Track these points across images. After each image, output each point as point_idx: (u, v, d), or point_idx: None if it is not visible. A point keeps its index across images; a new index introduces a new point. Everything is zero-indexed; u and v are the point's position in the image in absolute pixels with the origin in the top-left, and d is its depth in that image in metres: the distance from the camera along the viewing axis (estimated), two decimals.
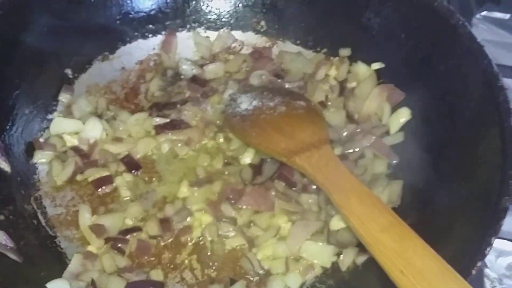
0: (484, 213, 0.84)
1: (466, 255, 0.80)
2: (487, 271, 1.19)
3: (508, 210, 0.83)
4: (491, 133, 0.95)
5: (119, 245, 1.11)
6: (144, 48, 1.43)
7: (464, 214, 0.90)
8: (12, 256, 0.95)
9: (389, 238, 0.83)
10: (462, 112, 1.06)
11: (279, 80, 1.38)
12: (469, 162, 0.98)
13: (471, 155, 0.98)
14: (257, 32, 1.47)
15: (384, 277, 0.97)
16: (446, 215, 0.96)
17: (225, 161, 1.27)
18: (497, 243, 1.25)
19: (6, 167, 1.12)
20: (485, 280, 1.18)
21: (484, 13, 1.72)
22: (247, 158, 1.25)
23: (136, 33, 1.42)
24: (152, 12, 1.42)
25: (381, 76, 1.31)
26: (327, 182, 1.01)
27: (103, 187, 1.21)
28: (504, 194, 0.83)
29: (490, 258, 1.23)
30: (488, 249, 0.78)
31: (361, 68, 1.34)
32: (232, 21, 1.47)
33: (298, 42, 1.44)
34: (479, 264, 0.77)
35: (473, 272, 0.76)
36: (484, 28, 1.70)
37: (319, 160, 1.06)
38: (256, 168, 1.23)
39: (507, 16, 1.71)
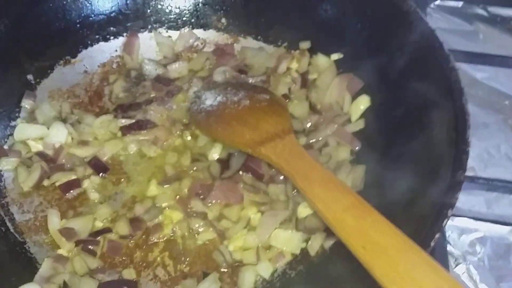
0: (440, 187, 0.87)
1: (424, 229, 0.83)
2: (450, 248, 1.24)
3: (462, 183, 0.86)
4: (444, 112, 0.98)
5: (90, 247, 1.10)
6: (106, 50, 1.44)
7: (422, 190, 0.94)
8: None
9: (351, 217, 0.86)
10: (418, 96, 1.10)
11: (242, 76, 1.40)
12: (425, 142, 1.02)
13: (427, 134, 1.02)
14: (218, 29, 1.49)
15: (351, 258, 1.00)
16: (405, 194, 0.99)
17: (193, 158, 1.28)
18: (460, 221, 1.30)
19: None
20: (449, 257, 1.22)
21: (437, 2, 1.78)
22: (215, 153, 1.27)
23: (97, 36, 1.42)
24: (113, 14, 1.43)
25: (340, 66, 1.35)
26: (292, 170, 1.03)
27: (71, 191, 1.21)
28: (458, 168, 0.87)
29: (453, 236, 1.28)
30: (445, 221, 0.81)
31: (321, 60, 1.37)
32: (193, 20, 1.49)
33: (259, 37, 1.47)
34: (437, 236, 0.80)
35: (432, 244, 0.80)
36: (438, 17, 1.76)
37: (283, 149, 1.08)
38: (224, 163, 1.25)
39: (460, 4, 1.78)
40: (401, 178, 1.04)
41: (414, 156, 1.04)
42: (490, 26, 1.75)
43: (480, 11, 1.78)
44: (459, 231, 1.28)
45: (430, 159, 0.98)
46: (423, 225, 0.84)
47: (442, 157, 0.93)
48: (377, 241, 0.80)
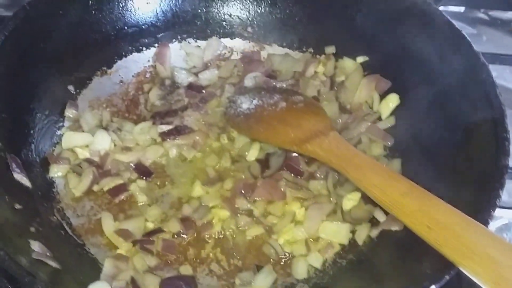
0: (488, 172, 0.95)
1: (480, 209, 0.90)
2: None
3: (508, 167, 0.94)
4: (480, 104, 1.06)
5: (146, 246, 1.14)
6: (139, 61, 1.49)
7: (468, 178, 1.01)
8: (52, 263, 0.98)
9: (410, 200, 0.93)
10: (449, 89, 1.17)
11: (272, 80, 1.46)
12: (463, 133, 1.09)
13: (464, 125, 1.09)
14: (244, 38, 1.55)
15: (399, 246, 1.07)
16: (449, 182, 1.06)
17: (232, 159, 1.33)
18: None
19: (27, 183, 1.14)
20: None
21: (441, 8, 1.87)
22: (253, 154, 1.33)
23: (130, 47, 1.48)
24: (144, 26, 1.48)
25: (366, 68, 1.42)
26: (343, 162, 1.10)
27: (120, 195, 1.25)
28: (503, 153, 0.95)
29: None
30: (498, 200, 0.88)
31: (347, 63, 1.45)
32: (220, 30, 1.55)
33: (284, 44, 1.54)
34: (493, 213, 0.87)
35: (489, 221, 0.86)
36: None
37: (330, 144, 1.14)
38: (263, 163, 1.31)
39: (462, 9, 1.88)
40: (442, 167, 1.10)
41: (451, 146, 1.11)
42: (492, 29, 1.86)
43: (481, 15, 1.89)
44: None
45: (471, 146, 1.05)
46: (477, 207, 0.90)
47: (485, 146, 1.00)
48: (440, 220, 0.86)
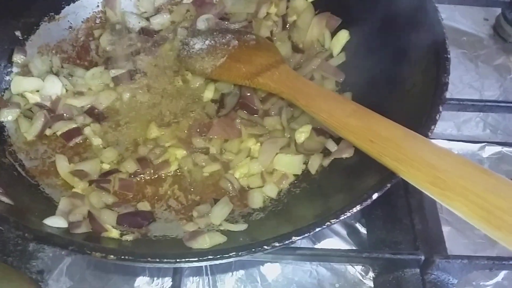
0: (429, 90, 0.99)
1: (420, 122, 0.94)
2: None
3: (447, 85, 0.98)
4: (423, 29, 1.10)
5: (103, 185, 1.15)
6: (88, 6, 1.46)
7: (412, 97, 1.05)
8: (4, 199, 0.97)
9: (355, 119, 0.96)
10: (393, 20, 1.20)
11: (225, 22, 1.46)
12: (407, 57, 1.13)
13: (408, 50, 1.13)
14: None
15: (346, 171, 1.11)
16: (395, 106, 1.10)
17: (187, 101, 1.34)
18: (436, 143, 1.44)
19: None
20: None
21: None
22: (208, 94, 1.34)
23: None
24: None
25: (316, 7, 1.43)
26: (292, 91, 1.12)
27: (73, 139, 1.24)
28: (443, 72, 0.99)
29: None
30: (438, 115, 0.92)
31: (299, 2, 1.45)
32: None
33: None
34: (432, 128, 0.91)
35: (429, 134, 0.90)
36: None
37: (280, 76, 1.16)
38: (218, 103, 1.32)
39: None
40: (388, 96, 1.14)
41: (397, 71, 1.14)
42: None
43: None
44: None
45: (413, 71, 1.09)
46: (418, 122, 0.94)
47: (427, 65, 1.03)
48: (382, 134, 0.90)
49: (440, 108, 0.93)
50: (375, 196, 0.85)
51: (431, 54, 1.06)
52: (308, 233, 0.83)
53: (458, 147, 1.47)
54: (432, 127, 0.92)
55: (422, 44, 1.09)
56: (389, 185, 0.86)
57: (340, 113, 0.99)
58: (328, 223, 0.84)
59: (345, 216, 0.84)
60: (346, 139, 0.98)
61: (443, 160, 0.81)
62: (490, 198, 0.72)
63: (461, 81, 1.65)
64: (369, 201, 0.85)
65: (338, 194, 1.01)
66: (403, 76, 1.12)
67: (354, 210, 0.84)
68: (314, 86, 1.12)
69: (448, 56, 1.02)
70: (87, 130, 1.26)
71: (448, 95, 1.52)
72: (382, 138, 0.89)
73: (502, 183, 0.74)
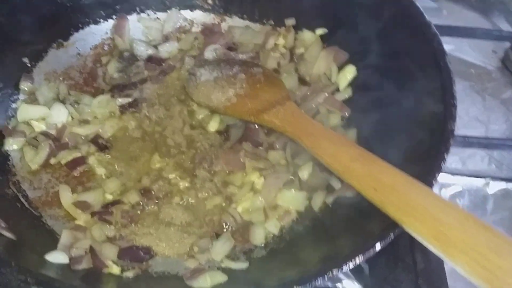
0: (435, 136, 0.98)
1: (424, 170, 0.93)
2: None
3: (454, 132, 0.97)
4: (430, 72, 1.09)
5: (105, 217, 1.15)
6: (97, 33, 1.47)
7: (417, 142, 1.04)
8: (6, 234, 0.97)
9: (360, 165, 0.95)
10: (401, 60, 1.20)
11: (232, 53, 1.46)
12: (413, 100, 1.13)
13: (414, 93, 1.12)
14: (204, 10, 1.55)
15: (351, 210, 1.11)
16: (400, 147, 1.09)
17: (193, 131, 1.33)
18: (439, 177, 1.43)
19: None
20: None
21: None
22: (213, 126, 1.34)
23: (87, 19, 1.45)
24: None
25: (325, 40, 1.43)
26: (297, 131, 1.12)
27: (78, 168, 1.24)
28: (449, 118, 0.98)
29: (435, 190, 1.40)
30: (443, 162, 0.92)
31: (307, 35, 1.46)
32: (179, 1, 1.53)
33: (245, 16, 1.54)
34: (437, 175, 0.91)
35: (434, 182, 0.90)
36: None
37: (285, 114, 1.16)
38: (223, 134, 1.32)
39: None
40: (393, 136, 1.14)
41: (403, 116, 1.14)
42: (452, 3, 1.90)
43: None
44: (439, 186, 1.41)
45: (420, 115, 1.08)
46: (424, 169, 0.94)
47: (433, 112, 1.03)
48: (386, 182, 0.89)
49: (446, 156, 0.92)
50: (378, 246, 0.85)
51: (438, 98, 1.05)
52: (310, 283, 0.82)
53: (462, 182, 1.45)
54: (437, 174, 0.91)
55: (430, 87, 1.09)
56: (392, 235, 0.85)
57: (344, 157, 0.98)
58: (330, 272, 0.83)
59: (348, 267, 0.83)
60: (350, 184, 0.97)
61: (447, 213, 0.80)
62: (492, 258, 0.72)
63: (467, 114, 1.64)
64: (372, 252, 0.84)
65: (341, 237, 1.01)
66: (409, 118, 1.12)
67: (357, 261, 0.83)
68: (319, 126, 1.12)
69: (455, 102, 1.01)
70: (91, 159, 1.26)
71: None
72: (385, 186, 0.88)
73: (505, 242, 0.74)
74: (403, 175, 0.90)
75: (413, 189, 0.86)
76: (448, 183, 1.43)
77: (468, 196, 1.41)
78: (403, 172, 0.91)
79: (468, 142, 1.36)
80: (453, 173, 1.46)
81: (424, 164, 0.95)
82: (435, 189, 1.39)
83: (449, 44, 1.76)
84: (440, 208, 0.82)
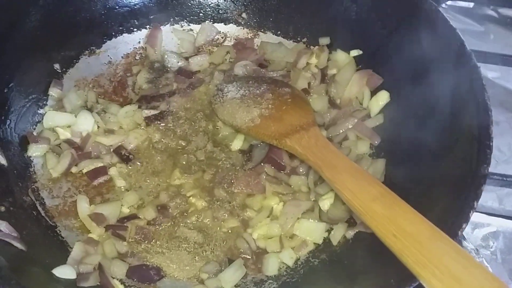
0: (465, 180, 0.91)
1: (451, 218, 0.87)
2: (464, 243, 1.27)
3: (486, 177, 0.90)
4: (467, 108, 1.02)
5: (119, 232, 1.13)
6: (129, 42, 1.47)
7: (446, 183, 0.98)
8: (17, 244, 0.98)
9: (380, 206, 0.90)
10: (438, 92, 1.13)
11: (262, 70, 1.43)
12: (448, 137, 1.06)
13: (450, 129, 1.06)
14: (238, 24, 1.52)
15: (372, 248, 1.05)
16: (429, 185, 1.03)
17: (215, 148, 1.31)
18: (473, 216, 1.32)
19: (3, 160, 1.14)
20: None
21: (449, 2, 1.82)
22: (237, 145, 1.31)
23: (121, 28, 1.45)
24: (137, 7, 1.46)
25: (359, 63, 1.38)
26: (318, 160, 1.07)
27: (98, 178, 1.24)
28: (482, 162, 0.91)
29: (467, 230, 1.32)
30: (471, 212, 0.85)
31: (341, 56, 1.40)
32: (214, 14, 1.51)
33: (278, 32, 1.50)
34: (464, 226, 0.84)
35: (459, 233, 0.83)
36: (449, 17, 1.77)
37: (308, 141, 1.12)
38: (246, 154, 1.29)
39: (471, 4, 1.82)
40: (422, 172, 1.07)
41: (435, 152, 1.07)
42: (501, 27, 1.80)
43: (490, 12, 1.83)
44: (472, 225, 1.33)
45: (453, 154, 1.02)
46: (449, 215, 0.87)
47: (466, 153, 0.96)
48: (407, 230, 0.83)
49: (475, 204, 0.85)
50: None
51: (473, 137, 0.98)
52: None
53: (498, 224, 1.36)
54: (464, 225, 0.84)
55: (466, 123, 1.02)
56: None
57: (365, 195, 0.93)
58: None
59: None
60: (368, 226, 0.92)
61: (469, 272, 0.74)
62: None
63: (510, 148, 1.54)
64: None
65: (359, 278, 0.95)
66: (440, 155, 1.05)
67: None
68: (343, 158, 1.07)
69: (490, 143, 0.94)
70: (112, 171, 1.25)
71: (493, 163, 1.43)
72: (406, 234, 0.82)
73: None
74: (427, 224, 0.84)
75: (436, 241, 0.80)
76: (482, 223, 1.34)
77: (503, 238, 1.32)
78: (426, 219, 0.84)
79: (507, 181, 1.27)
80: (489, 212, 1.37)
81: (450, 210, 0.88)
82: (468, 228, 1.32)
83: (494, 71, 1.68)
84: (462, 264, 0.75)
